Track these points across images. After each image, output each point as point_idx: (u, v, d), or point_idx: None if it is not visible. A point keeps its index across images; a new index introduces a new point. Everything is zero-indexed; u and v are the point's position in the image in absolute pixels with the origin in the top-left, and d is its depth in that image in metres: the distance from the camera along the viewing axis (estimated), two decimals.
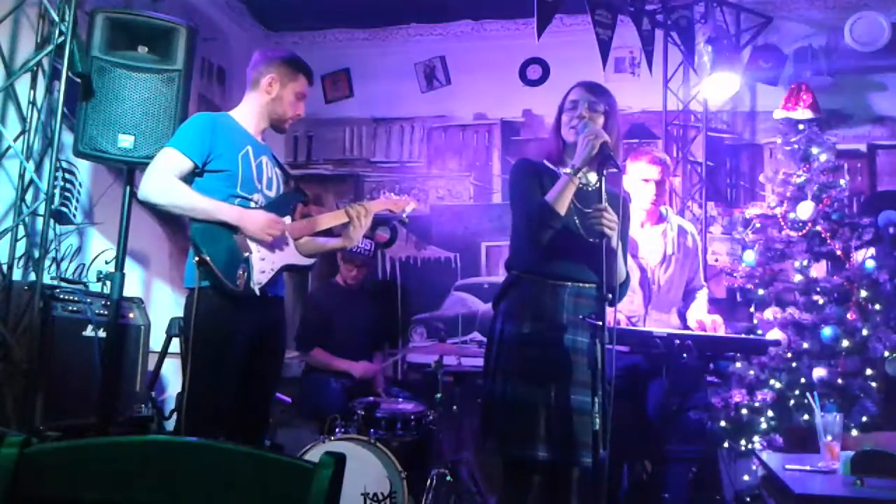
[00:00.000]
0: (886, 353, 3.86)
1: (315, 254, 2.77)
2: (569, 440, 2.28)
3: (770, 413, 3.91)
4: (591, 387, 2.11)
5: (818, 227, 4.13)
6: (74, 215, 3.53)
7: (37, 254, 3.28)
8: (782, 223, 4.22)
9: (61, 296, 3.22)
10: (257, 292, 2.50)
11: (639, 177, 3.19)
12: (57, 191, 3.34)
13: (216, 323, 2.46)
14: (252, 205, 2.58)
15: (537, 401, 2.31)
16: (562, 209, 2.33)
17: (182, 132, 2.59)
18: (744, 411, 3.94)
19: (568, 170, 2.33)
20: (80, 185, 3.59)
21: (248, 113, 2.70)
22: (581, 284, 2.40)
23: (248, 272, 2.49)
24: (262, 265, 2.53)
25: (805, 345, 3.96)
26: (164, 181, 2.48)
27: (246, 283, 2.48)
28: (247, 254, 2.50)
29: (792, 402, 3.90)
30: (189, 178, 2.54)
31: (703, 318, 3.09)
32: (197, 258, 2.44)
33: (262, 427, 2.77)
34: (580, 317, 2.32)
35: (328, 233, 2.81)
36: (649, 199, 3.20)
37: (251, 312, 2.53)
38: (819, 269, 4.19)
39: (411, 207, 2.81)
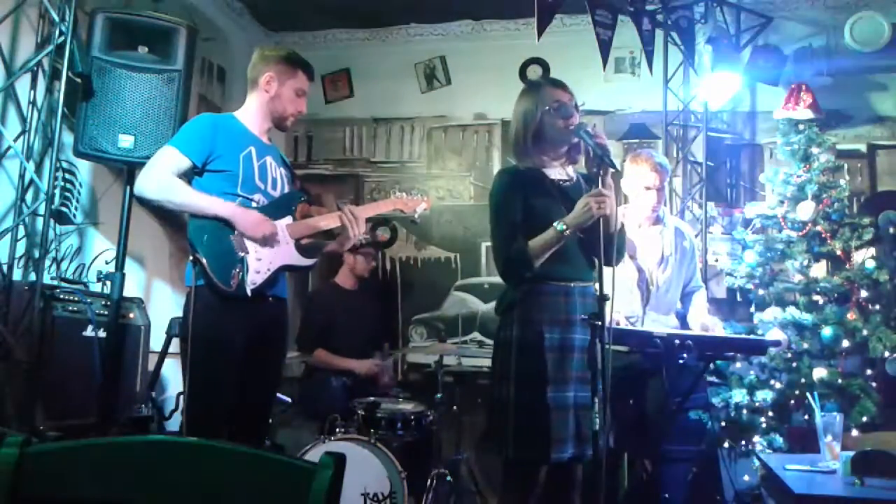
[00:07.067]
0: (886, 353, 3.86)
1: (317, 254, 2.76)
2: (588, 436, 2.29)
3: (770, 413, 3.91)
4: (592, 385, 2.13)
5: (818, 227, 4.13)
6: (74, 215, 3.53)
7: (37, 254, 3.28)
8: (782, 223, 4.22)
9: (61, 296, 3.23)
10: (248, 293, 2.48)
11: (641, 184, 3.16)
12: (57, 191, 3.34)
13: (212, 322, 2.44)
14: (253, 204, 2.56)
15: (567, 403, 2.33)
16: (540, 261, 2.35)
17: (183, 132, 2.60)
18: (744, 411, 3.93)
19: (559, 227, 2.32)
20: (80, 185, 3.59)
21: (251, 113, 2.70)
22: (585, 284, 2.43)
23: (242, 272, 2.47)
24: (258, 265, 2.51)
25: (805, 345, 3.96)
26: (160, 177, 2.47)
27: (239, 284, 2.46)
28: (242, 254, 2.48)
29: (792, 402, 3.90)
30: (188, 178, 2.54)
31: (704, 321, 3.11)
32: (191, 257, 2.44)
33: (263, 427, 2.75)
34: (581, 316, 2.33)
35: (329, 234, 2.80)
36: (651, 205, 3.18)
37: (249, 312, 2.51)
38: (819, 269, 4.19)
39: (423, 208, 2.81)
